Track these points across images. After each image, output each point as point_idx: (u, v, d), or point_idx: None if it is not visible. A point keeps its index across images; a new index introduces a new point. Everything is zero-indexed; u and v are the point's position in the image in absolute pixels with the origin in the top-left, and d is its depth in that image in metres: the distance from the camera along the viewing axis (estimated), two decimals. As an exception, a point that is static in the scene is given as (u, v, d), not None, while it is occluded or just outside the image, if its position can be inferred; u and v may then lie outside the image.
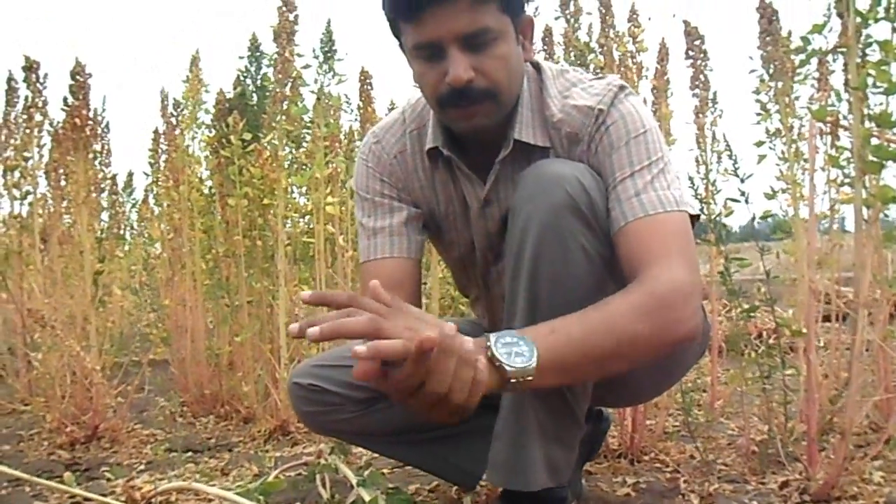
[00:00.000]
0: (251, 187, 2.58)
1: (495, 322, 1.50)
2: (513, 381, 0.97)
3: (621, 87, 1.25)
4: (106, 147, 2.69)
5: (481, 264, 1.42)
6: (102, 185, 2.70)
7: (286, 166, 2.49)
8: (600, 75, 1.33)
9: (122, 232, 3.32)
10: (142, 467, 2.22)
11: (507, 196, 1.31)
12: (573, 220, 1.14)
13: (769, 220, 2.29)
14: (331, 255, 2.73)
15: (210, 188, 2.93)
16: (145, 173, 3.14)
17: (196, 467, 2.20)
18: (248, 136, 2.56)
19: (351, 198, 2.54)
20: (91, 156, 2.52)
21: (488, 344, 0.98)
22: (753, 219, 1.94)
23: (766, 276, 1.93)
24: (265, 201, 2.59)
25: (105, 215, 3.24)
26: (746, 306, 1.90)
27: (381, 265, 1.34)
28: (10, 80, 3.18)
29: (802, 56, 1.71)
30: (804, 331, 1.66)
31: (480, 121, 1.22)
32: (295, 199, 2.55)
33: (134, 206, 4.92)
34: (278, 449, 2.37)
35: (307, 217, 2.58)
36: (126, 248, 5.11)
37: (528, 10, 1.31)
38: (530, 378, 0.98)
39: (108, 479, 2.06)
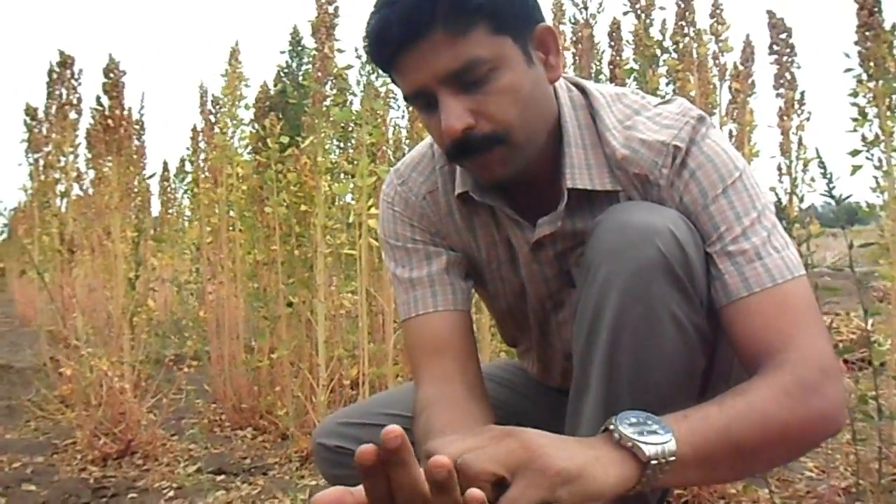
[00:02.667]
0: (289, 193, 2.41)
1: (550, 376, 1.30)
2: (653, 462, 0.78)
3: (700, 119, 1.02)
4: (142, 148, 2.55)
5: (538, 314, 1.21)
6: (137, 189, 2.56)
7: (327, 172, 2.31)
8: (667, 99, 1.10)
9: (162, 232, 3.18)
10: (170, 493, 2.10)
11: (565, 238, 1.10)
12: (665, 284, 0.92)
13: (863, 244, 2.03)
14: (374, 266, 2.56)
15: (249, 189, 2.78)
16: (184, 171, 2.99)
17: (227, 496, 2.06)
18: (285, 140, 2.39)
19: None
20: (124, 158, 2.38)
21: (610, 427, 0.79)
22: (851, 246, 1.68)
23: (865, 313, 1.68)
24: (303, 208, 2.42)
25: (152, 208, 3.12)
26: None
27: (425, 323, 1.14)
28: (51, 72, 3.07)
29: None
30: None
31: (498, 171, 1.00)
32: (334, 208, 2.37)
33: (186, 191, 4.83)
34: (314, 475, 2.22)
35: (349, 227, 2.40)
36: (180, 232, 5.06)
37: (542, 17, 1.03)
38: (672, 459, 0.79)
39: (134, 510, 1.95)
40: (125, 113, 2.40)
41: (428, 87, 0.96)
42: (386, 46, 0.96)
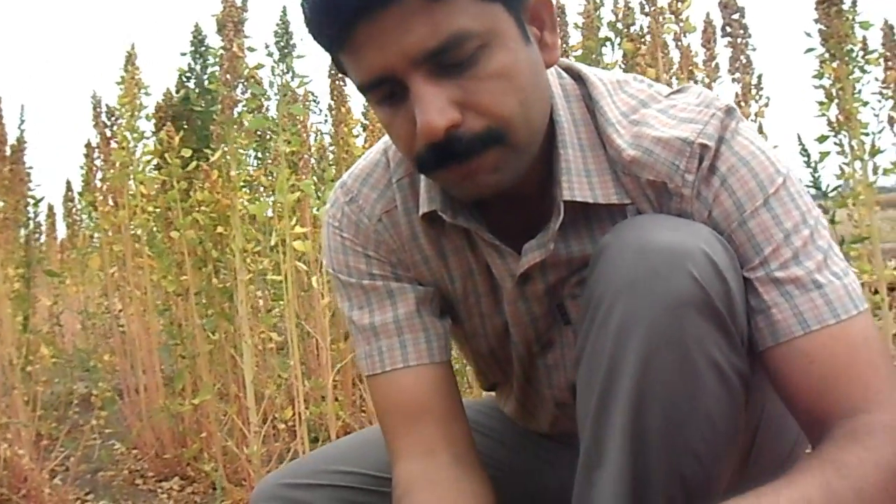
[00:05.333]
0: (201, 214, 2.12)
1: (535, 422, 1.07)
2: None
3: (728, 111, 0.80)
4: (22, 170, 2.21)
5: (522, 358, 0.98)
6: (22, 218, 2.22)
7: (243, 188, 2.03)
8: (679, 88, 0.88)
9: (64, 258, 2.83)
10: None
11: (558, 267, 0.87)
12: (702, 322, 0.70)
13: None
14: (304, 288, 2.29)
15: (155, 210, 2.46)
16: (79, 194, 2.66)
17: (150, 576, 1.77)
18: (188, 153, 2.09)
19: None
20: (2, 186, 2.04)
21: None
22: (842, 242, 1.51)
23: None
24: (219, 230, 2.13)
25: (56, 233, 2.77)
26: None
27: (395, 382, 0.89)
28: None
29: None
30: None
31: (488, 181, 0.75)
32: (253, 229, 2.09)
33: (93, 219, 4.44)
34: (251, 536, 1.95)
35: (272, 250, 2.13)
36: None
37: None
38: None
39: None
40: (-1, 133, 2.06)
41: (395, 71, 0.71)
42: (336, 17, 0.70)
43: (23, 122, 2.37)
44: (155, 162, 2.52)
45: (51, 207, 4.67)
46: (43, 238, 3.64)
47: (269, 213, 2.34)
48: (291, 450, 2.12)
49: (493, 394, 1.20)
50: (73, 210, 4.30)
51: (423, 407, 0.88)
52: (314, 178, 2.18)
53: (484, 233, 0.85)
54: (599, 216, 0.83)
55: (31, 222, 2.70)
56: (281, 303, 2.07)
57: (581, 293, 0.80)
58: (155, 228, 2.49)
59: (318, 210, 2.10)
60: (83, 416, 2.87)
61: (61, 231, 4.42)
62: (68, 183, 4.41)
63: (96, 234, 3.25)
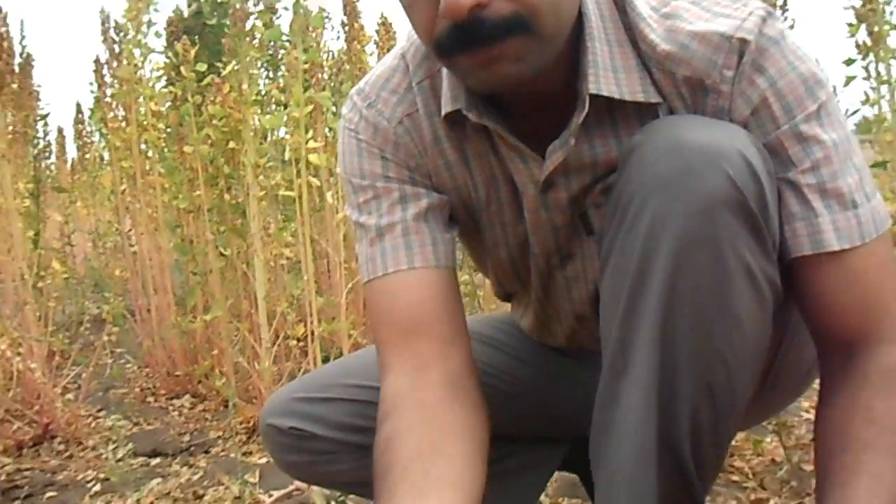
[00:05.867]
0: (213, 129, 2.08)
1: (551, 336, 1.05)
2: None
3: (769, 12, 0.75)
4: (29, 84, 2.16)
5: (541, 269, 0.95)
6: (31, 133, 2.18)
7: (255, 103, 1.98)
8: None
9: (75, 180, 2.81)
10: (96, 488, 1.81)
11: (581, 171, 0.83)
12: (736, 223, 0.67)
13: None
14: (316, 207, 2.26)
15: (167, 127, 2.42)
16: (90, 110, 2.61)
17: (163, 485, 1.79)
18: (203, 67, 2.03)
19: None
20: (7, 97, 2.00)
21: None
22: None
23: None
24: (231, 145, 2.09)
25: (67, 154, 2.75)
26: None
27: (396, 285, 0.85)
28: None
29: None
30: None
31: (510, 70, 0.70)
32: (267, 144, 2.04)
33: (104, 135, 4.40)
34: (263, 451, 1.96)
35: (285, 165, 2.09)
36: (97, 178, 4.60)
37: None
38: None
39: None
40: (3, 44, 2.00)
41: None
42: None
43: (23, 37, 2.31)
44: (165, 78, 2.47)
45: (60, 130, 4.63)
46: (53, 160, 3.61)
47: (283, 131, 2.30)
48: (302, 369, 2.12)
49: (508, 310, 1.18)
50: (84, 132, 4.27)
51: (422, 316, 0.84)
52: (330, 89, 2.13)
53: (507, 135, 0.81)
54: (626, 115, 0.79)
55: (40, 140, 2.67)
56: (293, 224, 2.04)
57: (606, 202, 0.78)
58: (165, 147, 2.45)
59: (333, 124, 2.05)
60: (95, 336, 2.89)
61: (72, 154, 4.39)
62: (78, 105, 4.37)
63: (107, 155, 3.22)
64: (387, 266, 0.86)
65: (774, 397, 0.94)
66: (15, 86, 2.02)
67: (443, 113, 0.83)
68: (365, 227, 0.88)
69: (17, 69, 2.16)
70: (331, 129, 2.14)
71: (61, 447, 2.13)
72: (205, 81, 2.09)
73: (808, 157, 0.72)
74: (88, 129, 4.43)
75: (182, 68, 2.03)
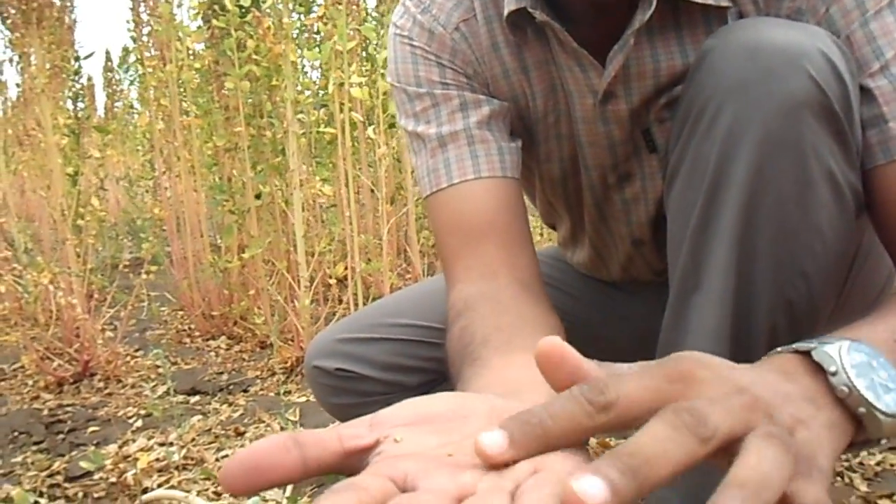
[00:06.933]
0: (254, 65, 2.03)
1: (604, 268, 1.01)
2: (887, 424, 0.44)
3: None
4: (70, 23, 2.12)
5: (596, 190, 0.90)
6: (69, 69, 2.15)
7: (295, 37, 1.93)
8: None
9: (107, 123, 2.78)
10: (138, 423, 1.81)
11: (643, 81, 0.78)
12: (820, 127, 0.62)
13: None
14: (354, 147, 2.21)
15: (205, 65, 2.38)
16: (126, 49, 2.57)
17: (204, 421, 1.79)
18: (246, 2, 1.98)
19: (383, 76, 1.99)
20: (47, 31, 1.97)
21: (831, 369, 0.44)
22: None
23: None
24: (272, 82, 2.05)
25: (96, 100, 2.72)
26: None
27: (461, 196, 0.80)
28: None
29: None
30: None
31: None
32: (309, 78, 1.99)
33: (132, 82, 4.38)
34: (303, 390, 1.96)
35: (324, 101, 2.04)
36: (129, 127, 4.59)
37: None
38: None
39: (97, 444, 1.67)
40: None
41: None
42: None
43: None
44: (200, 17, 2.42)
45: (90, 79, 4.61)
46: (84, 105, 3.58)
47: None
48: (338, 312, 2.10)
49: (556, 246, 1.14)
50: (113, 80, 4.25)
51: (489, 225, 0.79)
52: (375, 22, 2.07)
53: (566, 37, 0.76)
54: (692, 20, 0.73)
55: (76, 80, 2.64)
56: (328, 155, 2.00)
57: (670, 117, 0.72)
58: (201, 85, 2.41)
59: (378, 58, 1.99)
60: (131, 278, 2.89)
61: (101, 102, 4.38)
62: (107, 53, 4.35)
63: (137, 104, 3.19)
64: (451, 176, 0.81)
65: (850, 311, 0.89)
66: (55, 18, 1.99)
67: (505, 12, 0.78)
68: (424, 136, 0.83)
69: (57, 1, 2.13)
70: (374, 65, 2.08)
71: (101, 384, 2.14)
72: (247, 17, 2.04)
73: (878, 58, 0.66)
74: (118, 76, 4.41)
75: (227, 1, 1.97)
